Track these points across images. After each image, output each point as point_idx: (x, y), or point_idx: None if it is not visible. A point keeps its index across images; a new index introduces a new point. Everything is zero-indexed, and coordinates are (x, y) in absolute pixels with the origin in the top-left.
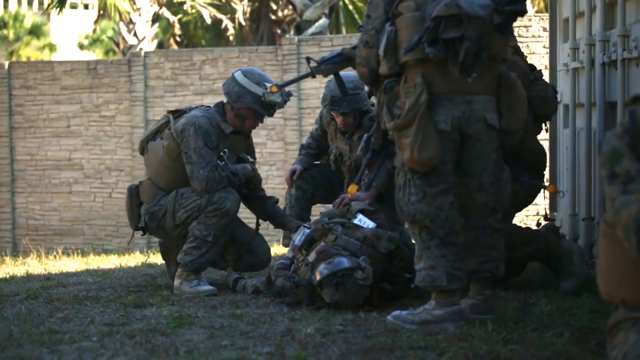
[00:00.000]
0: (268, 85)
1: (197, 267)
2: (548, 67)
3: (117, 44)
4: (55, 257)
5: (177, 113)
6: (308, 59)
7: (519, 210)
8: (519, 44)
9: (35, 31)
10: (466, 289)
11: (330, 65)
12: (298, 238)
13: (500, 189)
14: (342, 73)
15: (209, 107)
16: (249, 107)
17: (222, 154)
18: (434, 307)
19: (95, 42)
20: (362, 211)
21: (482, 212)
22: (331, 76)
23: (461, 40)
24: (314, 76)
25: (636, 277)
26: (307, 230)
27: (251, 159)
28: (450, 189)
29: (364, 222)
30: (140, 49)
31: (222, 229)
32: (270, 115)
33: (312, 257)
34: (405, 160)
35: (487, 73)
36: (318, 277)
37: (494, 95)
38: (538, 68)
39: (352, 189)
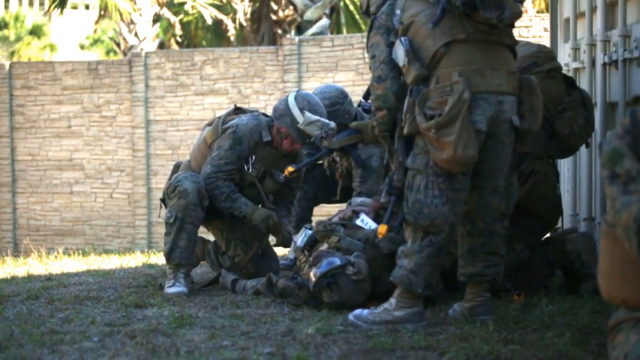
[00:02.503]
0: (309, 116)
1: (172, 259)
2: None
3: (118, 44)
4: (56, 257)
5: (239, 110)
6: (320, 139)
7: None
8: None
9: (36, 31)
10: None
11: (341, 138)
12: (300, 239)
13: (510, 193)
14: (320, 89)
15: (267, 116)
16: (287, 128)
17: (249, 158)
18: (394, 307)
19: (96, 42)
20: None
21: (491, 218)
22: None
23: None
24: (330, 152)
25: (637, 278)
26: (309, 232)
27: (281, 178)
28: (466, 197)
29: (366, 222)
30: (141, 49)
31: (183, 210)
32: (304, 144)
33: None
34: (444, 160)
35: (513, 76)
36: (313, 281)
37: (517, 96)
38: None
39: (382, 229)
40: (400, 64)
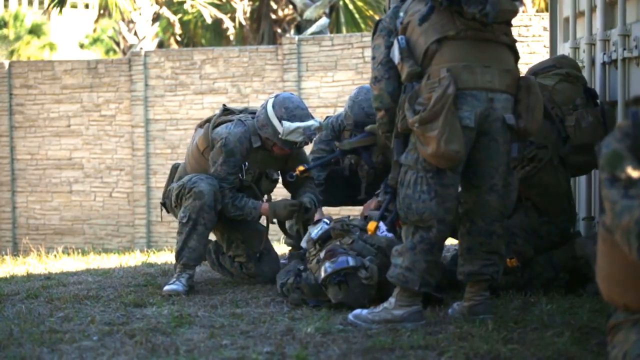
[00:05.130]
0: (287, 126)
1: (180, 258)
2: None
3: (118, 43)
4: (55, 256)
5: (227, 112)
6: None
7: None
8: (519, 41)
9: (36, 30)
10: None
11: (353, 140)
12: (315, 232)
13: (508, 193)
14: (366, 96)
15: (253, 114)
16: (271, 138)
17: (242, 165)
18: (394, 306)
19: (95, 41)
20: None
21: (490, 217)
22: (351, 96)
23: None
24: (343, 154)
25: (637, 284)
26: (326, 226)
27: (276, 176)
28: (457, 193)
29: (382, 230)
30: (141, 48)
31: (197, 212)
32: (293, 150)
33: (323, 254)
34: (429, 155)
35: (508, 74)
36: (322, 275)
37: (513, 95)
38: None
39: (372, 225)
40: (396, 62)
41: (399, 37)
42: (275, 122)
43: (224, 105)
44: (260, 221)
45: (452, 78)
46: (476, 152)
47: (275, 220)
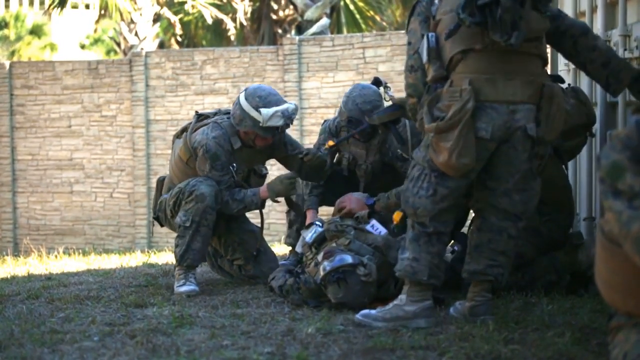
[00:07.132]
0: (266, 112)
1: (184, 261)
2: (549, 66)
3: (118, 44)
4: (56, 256)
5: (202, 117)
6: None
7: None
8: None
9: (37, 31)
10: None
11: (382, 114)
12: (309, 235)
13: (528, 197)
14: (360, 92)
15: (228, 114)
16: (251, 129)
17: (231, 167)
18: (405, 302)
19: (96, 41)
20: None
21: (501, 216)
22: (347, 92)
23: (497, 4)
24: (372, 128)
25: (639, 292)
26: (319, 229)
27: (265, 171)
28: (461, 195)
29: (377, 228)
30: (142, 48)
31: (200, 214)
32: (275, 136)
33: (320, 256)
34: (440, 163)
35: (531, 84)
36: (321, 274)
37: (536, 104)
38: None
39: (397, 215)
40: (423, 60)
41: (429, 35)
42: (253, 112)
43: (197, 112)
44: (254, 221)
45: (473, 92)
46: (495, 157)
47: (279, 199)
